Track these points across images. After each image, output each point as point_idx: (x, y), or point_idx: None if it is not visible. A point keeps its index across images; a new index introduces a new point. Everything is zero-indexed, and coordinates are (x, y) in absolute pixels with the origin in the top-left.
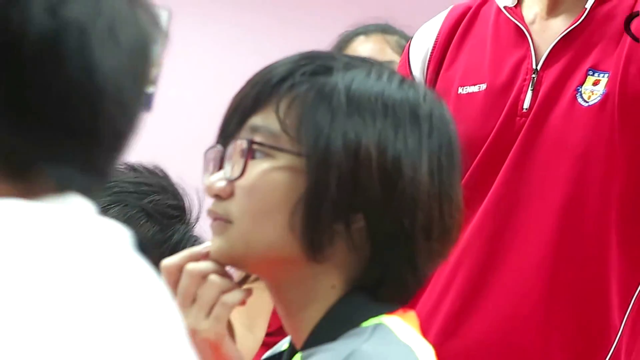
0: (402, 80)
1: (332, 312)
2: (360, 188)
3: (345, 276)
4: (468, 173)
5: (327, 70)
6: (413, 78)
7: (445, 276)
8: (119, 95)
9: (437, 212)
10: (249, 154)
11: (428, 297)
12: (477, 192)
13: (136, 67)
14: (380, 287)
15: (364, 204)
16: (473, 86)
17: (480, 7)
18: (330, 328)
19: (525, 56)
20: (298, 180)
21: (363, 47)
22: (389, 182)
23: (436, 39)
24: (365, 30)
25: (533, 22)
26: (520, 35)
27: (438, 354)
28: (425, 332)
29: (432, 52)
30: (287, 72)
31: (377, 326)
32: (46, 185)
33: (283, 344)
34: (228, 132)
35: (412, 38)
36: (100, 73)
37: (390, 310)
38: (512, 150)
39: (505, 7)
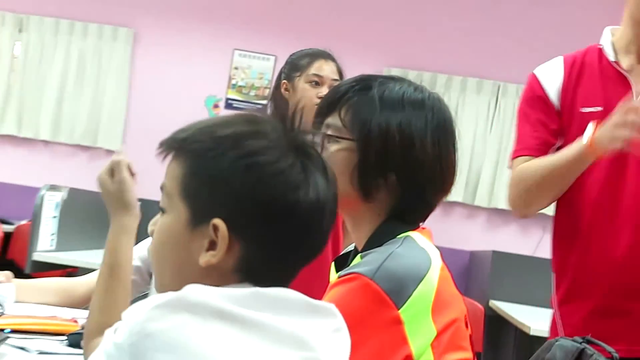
0: (416, 87)
1: (379, 229)
2: (389, 156)
3: (385, 209)
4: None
5: (369, 87)
6: (549, 98)
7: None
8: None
9: (438, 168)
10: (325, 140)
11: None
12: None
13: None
14: (406, 214)
15: (392, 166)
16: (592, 107)
17: (584, 56)
18: (378, 239)
19: (628, 92)
20: (352, 155)
21: (325, 67)
22: (406, 152)
23: (563, 75)
24: (326, 55)
25: (631, 70)
26: (623, 78)
27: None
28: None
29: (563, 85)
30: (345, 90)
31: (405, 238)
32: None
33: (350, 247)
34: (317, 126)
35: (534, 73)
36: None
37: (413, 228)
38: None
39: (614, 62)
